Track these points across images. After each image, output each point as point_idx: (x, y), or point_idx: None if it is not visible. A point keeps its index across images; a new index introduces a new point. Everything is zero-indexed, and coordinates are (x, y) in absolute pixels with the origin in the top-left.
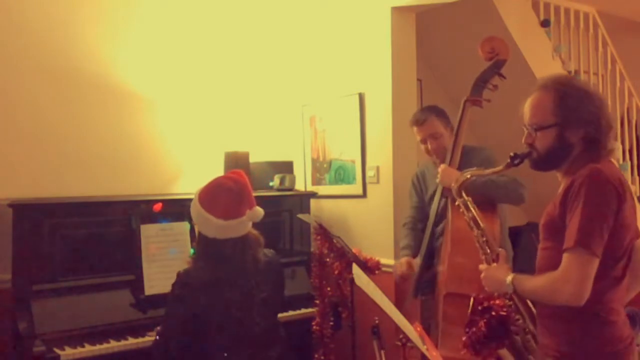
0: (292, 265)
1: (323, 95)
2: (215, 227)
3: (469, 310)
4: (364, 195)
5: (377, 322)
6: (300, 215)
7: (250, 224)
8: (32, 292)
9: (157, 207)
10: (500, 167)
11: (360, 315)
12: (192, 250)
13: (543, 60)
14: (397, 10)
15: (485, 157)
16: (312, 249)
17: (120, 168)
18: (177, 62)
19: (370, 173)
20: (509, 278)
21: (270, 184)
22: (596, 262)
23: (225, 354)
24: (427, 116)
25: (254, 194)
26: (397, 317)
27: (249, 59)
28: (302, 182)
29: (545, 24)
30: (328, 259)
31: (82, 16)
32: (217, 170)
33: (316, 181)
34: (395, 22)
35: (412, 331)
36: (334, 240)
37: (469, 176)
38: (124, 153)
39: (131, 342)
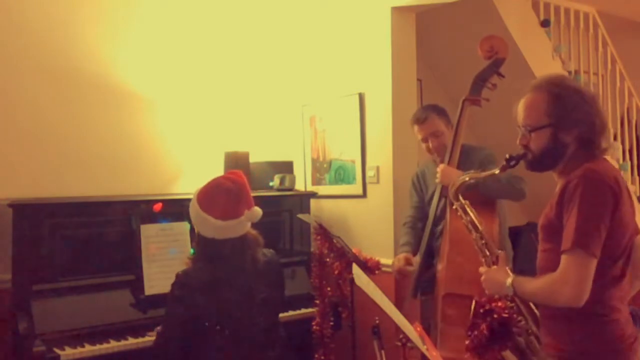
0: (292, 265)
1: (323, 95)
2: (213, 227)
3: (471, 314)
4: (364, 195)
5: (377, 322)
6: (300, 215)
7: (249, 224)
8: (32, 292)
9: (157, 207)
10: (496, 170)
11: (360, 315)
12: (192, 251)
13: (543, 60)
14: (397, 10)
15: (484, 157)
16: (312, 249)
17: (120, 168)
18: (177, 62)
19: (370, 173)
20: (509, 280)
21: (270, 184)
22: (594, 263)
23: (225, 354)
24: (427, 115)
25: (254, 194)
26: (397, 317)
27: (249, 59)
28: (302, 182)
29: (545, 24)
30: (328, 259)
31: (82, 16)
32: (217, 170)
33: (316, 181)
34: (395, 22)
35: (412, 331)
36: (334, 240)
37: (467, 178)
38: (124, 153)
39: (131, 342)
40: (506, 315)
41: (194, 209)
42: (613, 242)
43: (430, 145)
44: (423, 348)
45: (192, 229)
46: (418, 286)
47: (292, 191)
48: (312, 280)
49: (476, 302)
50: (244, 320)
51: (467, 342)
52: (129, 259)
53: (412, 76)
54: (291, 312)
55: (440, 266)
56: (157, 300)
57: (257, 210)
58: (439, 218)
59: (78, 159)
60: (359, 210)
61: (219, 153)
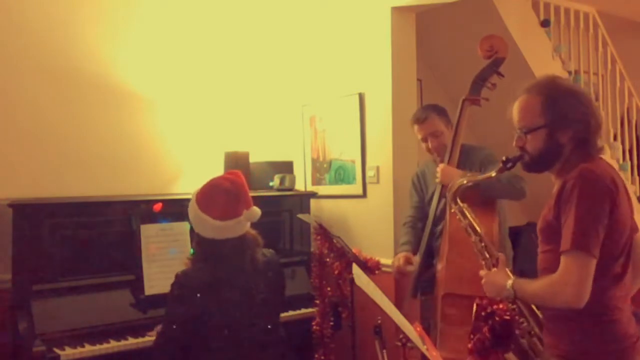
0: (292, 265)
1: (323, 95)
2: (212, 227)
3: (473, 317)
4: (364, 195)
5: (379, 322)
6: (300, 215)
7: (248, 224)
8: (32, 292)
9: (157, 207)
10: (493, 173)
11: (360, 315)
12: (192, 251)
13: (543, 60)
14: (397, 10)
15: (484, 157)
16: (312, 249)
17: (120, 168)
18: (177, 62)
19: (370, 173)
20: (509, 282)
21: (270, 184)
22: (594, 263)
23: (225, 354)
24: (428, 114)
25: (254, 194)
26: (397, 317)
27: (249, 59)
28: (302, 182)
29: (545, 24)
30: (328, 259)
31: (82, 16)
32: (217, 170)
33: (316, 181)
34: (395, 22)
35: (412, 331)
36: (334, 240)
37: (465, 182)
38: (124, 153)
39: (131, 342)
40: (508, 318)
41: (192, 210)
42: (612, 241)
43: (430, 145)
44: (423, 348)
45: (192, 229)
46: (418, 286)
47: (292, 191)
48: (312, 280)
49: (477, 305)
50: (243, 320)
51: (469, 345)
52: (129, 259)
53: (412, 76)
54: (291, 312)
55: (440, 266)
56: (157, 300)
57: (256, 210)
58: (439, 218)
59: (78, 159)
60: (359, 210)
61: (219, 153)
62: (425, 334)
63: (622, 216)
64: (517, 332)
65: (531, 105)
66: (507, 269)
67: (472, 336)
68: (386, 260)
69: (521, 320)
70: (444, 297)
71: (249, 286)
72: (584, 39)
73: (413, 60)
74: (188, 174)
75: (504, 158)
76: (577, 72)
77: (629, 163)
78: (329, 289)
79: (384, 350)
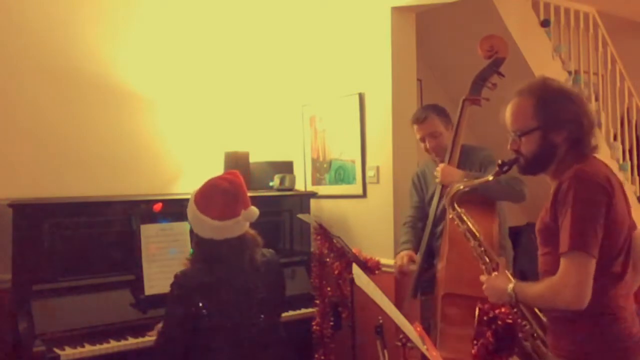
0: (292, 265)
1: (323, 95)
2: (210, 228)
3: (475, 322)
4: (364, 195)
5: (380, 321)
6: (300, 215)
7: (247, 224)
8: (32, 292)
9: (157, 207)
10: (489, 177)
11: (360, 315)
12: (191, 251)
13: (543, 60)
14: (397, 10)
15: (484, 157)
16: (312, 249)
17: (120, 168)
18: (177, 62)
19: (370, 173)
20: (510, 286)
21: (270, 184)
22: (593, 263)
23: (225, 355)
24: (427, 114)
25: (254, 194)
26: (397, 317)
27: (249, 59)
28: (302, 182)
29: (545, 24)
30: (328, 259)
31: (82, 16)
32: (217, 170)
33: (316, 181)
34: (395, 22)
35: (412, 331)
36: (334, 240)
37: (461, 187)
38: (124, 153)
39: (131, 342)
40: (510, 321)
41: (191, 210)
42: (610, 240)
43: (428, 145)
44: (423, 348)
45: (192, 229)
46: (418, 286)
47: (292, 191)
48: (312, 280)
49: (479, 309)
50: (243, 320)
51: (473, 351)
52: (129, 259)
53: (412, 76)
54: (291, 312)
55: (440, 266)
56: (157, 300)
57: (254, 210)
58: (439, 218)
59: (78, 159)
60: (359, 210)
61: (219, 153)
62: (425, 334)
63: (619, 215)
64: (520, 335)
65: (523, 108)
66: (507, 273)
67: (475, 342)
68: (386, 260)
69: (524, 323)
70: (444, 297)
71: (248, 286)
72: (584, 39)
73: (413, 60)
74: (188, 174)
75: (499, 162)
76: (577, 72)
77: (629, 163)
78: (329, 289)
79: (385, 350)
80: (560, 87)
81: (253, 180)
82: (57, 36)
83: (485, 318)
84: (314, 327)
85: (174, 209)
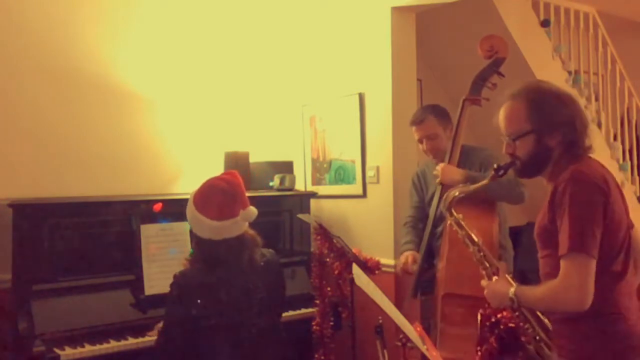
0: (292, 265)
1: (323, 95)
2: (209, 228)
3: (478, 328)
4: (364, 195)
5: (380, 321)
6: (300, 215)
7: (246, 224)
8: (32, 292)
9: (157, 207)
10: (485, 181)
11: (360, 315)
12: (191, 251)
13: (543, 60)
14: (397, 10)
15: (485, 158)
16: (312, 249)
17: (120, 168)
18: (177, 62)
19: (370, 173)
20: (512, 290)
21: (270, 184)
22: (593, 264)
23: (225, 355)
24: (425, 116)
25: (254, 194)
26: (397, 317)
27: (249, 59)
28: (302, 182)
29: (545, 24)
30: (328, 259)
31: (82, 16)
32: (217, 170)
33: (316, 181)
34: (395, 22)
35: (412, 331)
36: (334, 240)
37: (457, 193)
38: (124, 153)
39: (131, 342)
40: (513, 325)
41: (190, 210)
42: (609, 240)
43: (425, 147)
44: (423, 348)
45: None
46: (418, 286)
47: (292, 191)
48: (312, 280)
49: (481, 315)
50: (243, 320)
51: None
52: (129, 259)
53: (412, 76)
54: (291, 312)
55: (440, 266)
56: (157, 300)
57: (253, 210)
58: (439, 219)
59: (78, 159)
60: (359, 210)
61: (219, 153)
62: (425, 334)
63: (616, 213)
64: (523, 339)
65: (517, 112)
66: (508, 277)
67: (479, 347)
68: (386, 260)
69: (526, 326)
70: (444, 297)
71: (248, 286)
72: (584, 39)
73: (413, 60)
74: (188, 174)
75: (495, 166)
76: (577, 72)
77: (629, 163)
78: (329, 289)
79: (385, 350)
80: (553, 90)
81: (253, 180)
82: (57, 36)
83: (487, 323)
84: (314, 327)
85: (174, 209)
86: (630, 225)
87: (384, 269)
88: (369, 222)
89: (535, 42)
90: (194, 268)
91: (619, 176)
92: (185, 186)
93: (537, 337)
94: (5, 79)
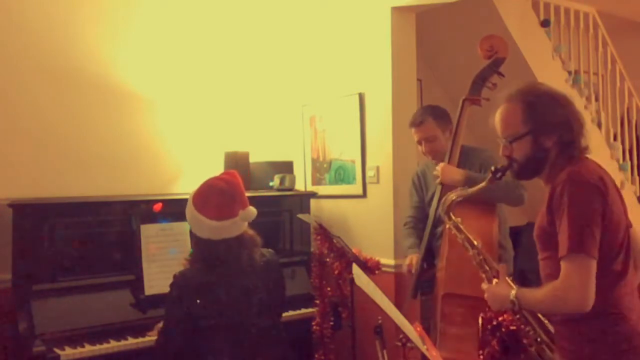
0: (292, 265)
1: (323, 95)
2: (208, 228)
3: (479, 332)
4: (364, 195)
5: (380, 321)
6: (300, 215)
7: (245, 224)
8: (32, 292)
9: (157, 207)
10: (483, 184)
11: (360, 315)
12: (191, 251)
13: (543, 60)
14: (397, 10)
15: (485, 159)
16: (312, 249)
17: (120, 168)
18: (177, 62)
19: (370, 173)
20: (513, 293)
21: (270, 184)
22: (594, 264)
23: (225, 355)
24: (424, 118)
25: (254, 194)
26: (397, 317)
27: (249, 59)
28: (302, 182)
29: (545, 24)
30: (328, 259)
31: (82, 16)
32: (217, 170)
33: (316, 181)
34: (395, 22)
35: (412, 331)
36: (334, 240)
37: (454, 197)
38: (124, 153)
39: (131, 342)
40: (514, 328)
41: (189, 211)
42: (609, 239)
43: (424, 149)
44: (423, 348)
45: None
46: (418, 286)
47: (292, 191)
48: (312, 280)
49: (482, 318)
50: (243, 320)
51: None
52: (129, 259)
53: (412, 76)
54: (291, 312)
55: (440, 266)
56: (157, 300)
57: (252, 210)
58: (439, 219)
59: (78, 159)
60: (359, 210)
61: (219, 153)
62: (425, 334)
63: (615, 213)
64: (524, 341)
65: (512, 114)
66: (508, 280)
67: (481, 351)
68: (386, 260)
69: (527, 329)
70: (444, 297)
71: (247, 286)
72: (584, 39)
73: (413, 60)
74: (188, 174)
75: (492, 168)
76: (577, 72)
77: (629, 163)
78: (329, 289)
79: (385, 350)
80: (548, 91)
81: (253, 180)
82: (57, 36)
83: (489, 327)
84: (314, 327)
85: (174, 209)
86: (629, 225)
87: (384, 269)
88: (369, 222)
89: (535, 42)
90: (194, 268)
91: (619, 176)
92: (185, 186)
93: (539, 339)
94: (5, 79)
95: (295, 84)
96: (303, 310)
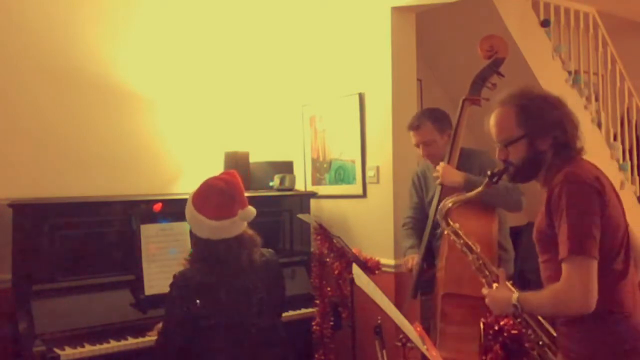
0: (292, 265)
1: (323, 95)
2: (207, 228)
3: (481, 337)
4: (364, 195)
5: (379, 321)
6: (300, 215)
7: (245, 224)
8: (32, 292)
9: (157, 207)
10: (480, 189)
11: (360, 315)
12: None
13: (543, 60)
14: (397, 10)
15: (484, 161)
16: (312, 249)
17: (120, 168)
18: (177, 62)
19: (370, 173)
20: (515, 297)
21: (270, 184)
22: (594, 264)
23: (225, 355)
24: (421, 122)
25: (254, 194)
26: (397, 317)
27: (249, 59)
28: (302, 182)
29: (545, 24)
30: (328, 259)
31: (82, 16)
32: (217, 170)
33: (316, 181)
34: (395, 22)
35: (412, 331)
36: (334, 240)
37: (450, 204)
38: (124, 153)
39: (131, 342)
40: (516, 332)
41: (189, 210)
42: (608, 239)
43: (422, 152)
44: (423, 348)
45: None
46: (418, 287)
47: (292, 191)
48: (312, 280)
49: (484, 323)
50: (243, 320)
51: None
52: (129, 259)
53: (412, 76)
54: (291, 312)
55: (439, 266)
56: (157, 300)
57: (251, 210)
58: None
59: (78, 159)
60: (359, 210)
61: (219, 153)
62: (425, 334)
63: (613, 213)
64: (527, 345)
65: (506, 118)
66: (508, 284)
67: (484, 357)
68: (386, 260)
69: (529, 332)
70: (444, 297)
71: (247, 286)
72: (584, 39)
73: (413, 60)
74: (188, 174)
75: (489, 172)
76: (577, 72)
77: (629, 163)
78: (329, 289)
79: (384, 350)
80: (541, 94)
81: (253, 180)
82: (57, 36)
83: (490, 331)
84: (314, 327)
85: (174, 209)
86: (627, 223)
87: (384, 269)
88: (369, 222)
89: (535, 42)
90: (193, 268)
91: (619, 176)
92: (185, 186)
93: (540, 342)
94: (5, 79)
95: (295, 84)
96: (303, 310)
